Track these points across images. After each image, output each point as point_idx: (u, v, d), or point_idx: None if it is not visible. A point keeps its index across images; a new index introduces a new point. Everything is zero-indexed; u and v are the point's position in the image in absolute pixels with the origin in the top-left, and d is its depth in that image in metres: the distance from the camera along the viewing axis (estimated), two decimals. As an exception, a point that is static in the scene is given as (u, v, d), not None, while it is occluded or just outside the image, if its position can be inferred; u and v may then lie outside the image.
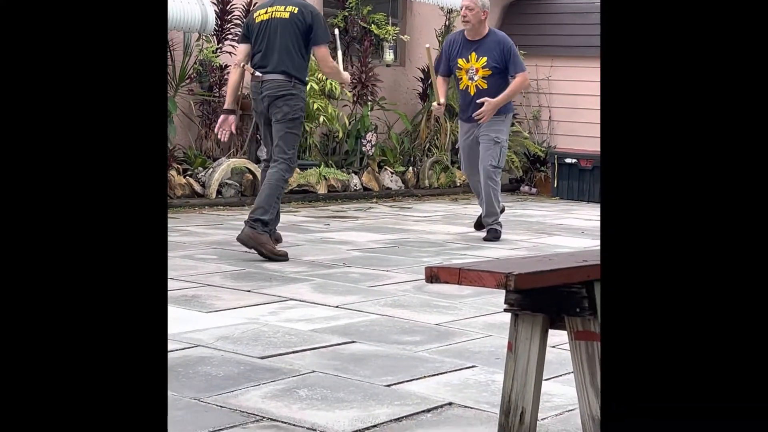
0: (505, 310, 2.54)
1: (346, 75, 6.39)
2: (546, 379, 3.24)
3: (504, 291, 2.44)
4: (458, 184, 10.49)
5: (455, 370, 3.47)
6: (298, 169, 9.14)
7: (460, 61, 6.80)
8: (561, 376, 3.34)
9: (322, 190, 9.16)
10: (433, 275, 2.36)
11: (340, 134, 9.55)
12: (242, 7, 8.85)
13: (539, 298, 2.47)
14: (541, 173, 10.95)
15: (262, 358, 3.54)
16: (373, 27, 9.94)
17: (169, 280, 4.94)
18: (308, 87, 9.14)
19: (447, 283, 2.36)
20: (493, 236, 6.87)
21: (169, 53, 8.57)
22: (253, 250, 5.64)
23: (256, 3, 8.92)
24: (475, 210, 8.64)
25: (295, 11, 5.82)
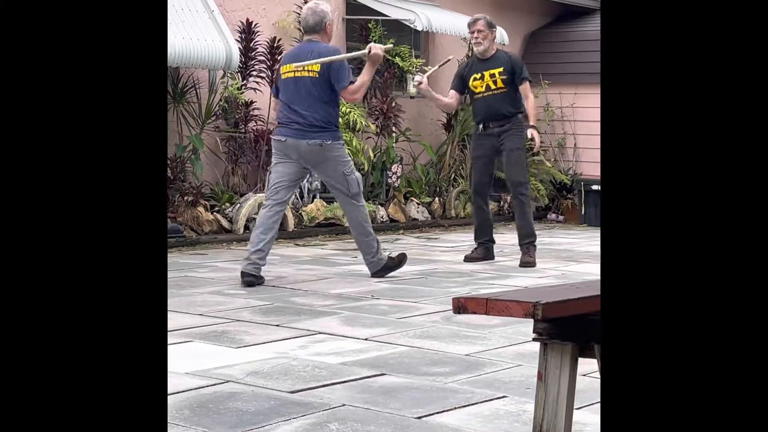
0: (534, 340, 2.53)
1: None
2: (578, 408, 3.22)
3: (532, 320, 2.43)
4: (485, 214, 10.48)
5: (486, 401, 3.46)
6: (324, 203, 9.19)
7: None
8: (592, 404, 3.32)
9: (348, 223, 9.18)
10: (461, 306, 2.36)
11: (366, 167, 9.59)
12: (266, 43, 8.94)
13: (568, 327, 2.46)
14: (567, 201, 10.93)
15: (293, 392, 3.55)
16: (398, 59, 10.00)
17: (198, 316, 4.96)
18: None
19: (474, 313, 2.36)
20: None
21: (195, 91, 8.66)
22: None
23: (280, 39, 9.01)
24: (503, 239, 8.63)
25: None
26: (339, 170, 6.14)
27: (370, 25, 9.98)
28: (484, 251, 7.31)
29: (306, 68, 6.06)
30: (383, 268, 6.34)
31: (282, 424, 3.16)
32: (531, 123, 7.25)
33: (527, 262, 7.07)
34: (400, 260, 6.43)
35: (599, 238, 8.30)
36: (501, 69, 7.14)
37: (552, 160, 11.13)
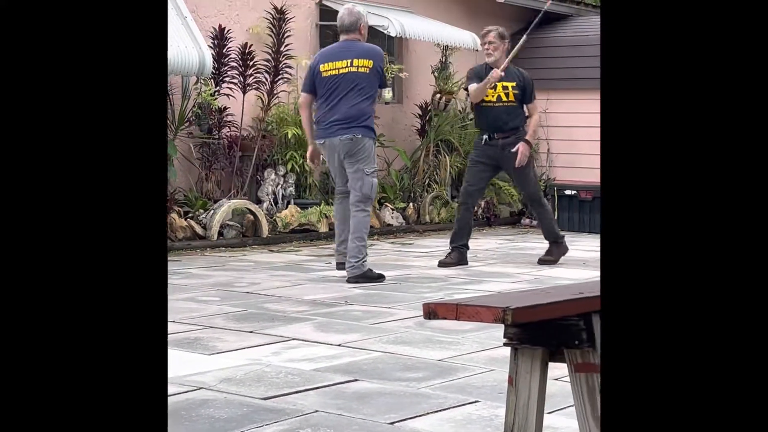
0: (505, 345, 2.54)
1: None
2: (549, 412, 3.24)
3: (503, 325, 2.44)
4: (459, 219, 10.51)
5: (458, 406, 3.47)
6: (299, 208, 9.18)
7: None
8: (564, 408, 3.34)
9: (323, 228, 9.18)
10: (431, 311, 2.37)
11: (340, 172, 9.59)
12: (237, 49, 8.92)
13: (538, 332, 2.48)
14: (541, 206, 10.96)
15: (265, 399, 3.54)
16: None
17: (171, 323, 4.94)
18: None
19: (445, 319, 2.37)
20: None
21: (168, 97, 8.63)
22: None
23: (252, 45, 9.00)
24: (478, 244, 8.65)
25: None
26: (360, 165, 6.38)
27: (343, 31, 9.98)
28: (458, 255, 7.35)
29: (356, 63, 6.31)
30: (362, 275, 6.40)
31: (255, 430, 3.16)
32: (528, 137, 7.33)
33: (546, 260, 7.51)
34: (379, 276, 6.49)
35: (572, 243, 8.36)
36: (514, 84, 7.30)
37: (526, 165, 11.18)
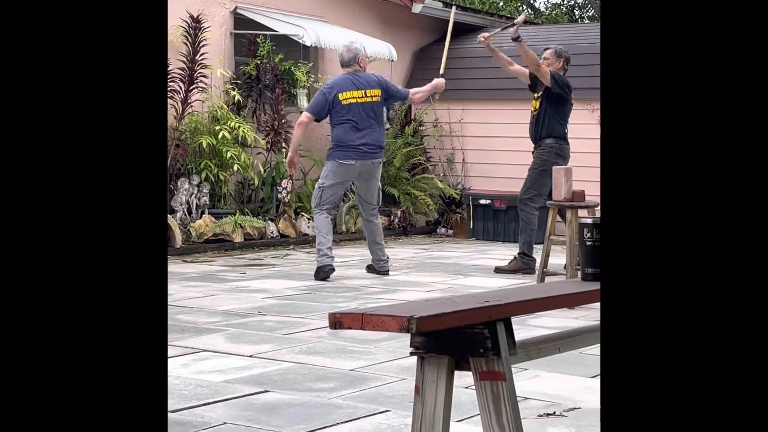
0: (411, 354, 2.55)
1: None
2: (458, 421, 3.26)
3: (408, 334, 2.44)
4: (375, 228, 10.54)
5: (369, 415, 3.46)
6: (213, 218, 9.09)
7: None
8: (472, 417, 3.36)
9: (238, 238, 9.11)
10: (337, 321, 2.36)
11: (256, 182, 9.53)
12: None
13: (444, 341, 2.48)
14: (456, 215, 11.05)
15: (173, 411, 3.49)
16: (297, 71, 9.95)
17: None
18: (220, 135, 9.14)
19: (351, 328, 2.36)
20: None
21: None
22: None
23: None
24: (394, 253, 8.67)
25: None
26: (377, 184, 7.37)
27: (258, 40, 9.93)
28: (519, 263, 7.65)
29: (370, 93, 7.19)
30: (383, 271, 7.38)
31: (161, 444, 3.11)
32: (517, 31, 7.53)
33: (503, 269, 7.66)
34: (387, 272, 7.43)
35: (487, 252, 8.47)
36: (539, 94, 7.62)
37: (441, 174, 11.25)
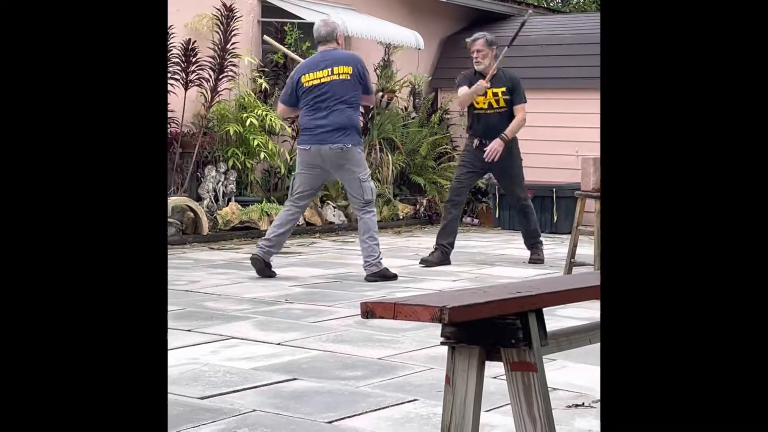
0: (442, 343, 2.55)
1: None
2: (487, 411, 3.26)
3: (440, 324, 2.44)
4: (401, 217, 10.53)
5: (397, 404, 3.47)
6: (240, 206, 9.12)
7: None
8: (502, 407, 3.35)
9: (264, 226, 9.12)
10: (369, 311, 2.36)
11: (282, 170, 9.55)
12: (180, 45, 8.83)
13: (475, 331, 2.48)
14: (482, 204, 11.03)
15: (202, 398, 3.51)
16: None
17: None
18: (247, 123, 9.16)
19: (383, 318, 2.36)
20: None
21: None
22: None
23: (195, 42, 8.91)
24: (418, 243, 8.68)
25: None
26: (355, 175, 6.47)
27: (285, 28, 9.94)
28: (440, 255, 7.47)
29: (337, 71, 6.42)
30: (380, 274, 6.51)
31: (191, 430, 3.13)
32: (506, 132, 7.32)
33: (536, 260, 7.56)
34: (394, 276, 6.58)
35: (513, 241, 8.45)
36: (504, 89, 7.38)
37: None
